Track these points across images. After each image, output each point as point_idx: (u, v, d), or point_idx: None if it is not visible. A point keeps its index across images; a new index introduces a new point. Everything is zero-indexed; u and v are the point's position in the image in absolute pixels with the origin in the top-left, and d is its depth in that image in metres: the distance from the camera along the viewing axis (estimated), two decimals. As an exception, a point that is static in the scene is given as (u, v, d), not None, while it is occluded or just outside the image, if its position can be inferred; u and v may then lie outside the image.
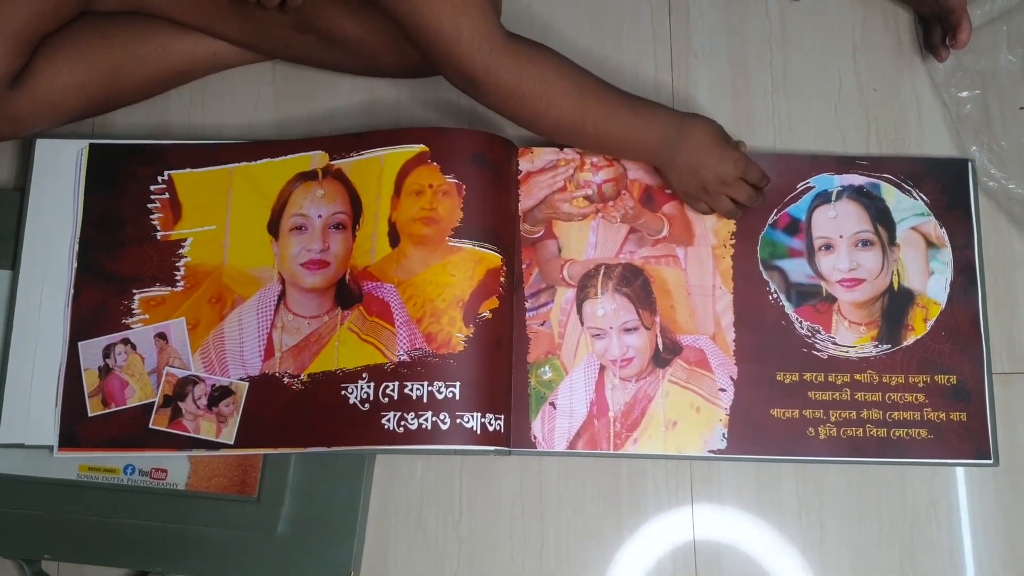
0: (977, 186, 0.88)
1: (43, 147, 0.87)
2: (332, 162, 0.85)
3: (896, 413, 0.83)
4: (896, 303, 0.85)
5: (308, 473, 0.80)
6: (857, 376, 0.83)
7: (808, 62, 0.93)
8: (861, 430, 0.82)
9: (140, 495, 0.80)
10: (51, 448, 0.81)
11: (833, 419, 0.83)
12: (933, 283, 0.85)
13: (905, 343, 0.84)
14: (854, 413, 0.83)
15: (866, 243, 0.86)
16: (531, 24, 0.94)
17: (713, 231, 0.86)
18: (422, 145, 0.83)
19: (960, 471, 0.84)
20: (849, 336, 0.84)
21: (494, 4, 0.75)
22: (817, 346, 0.84)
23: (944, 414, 0.83)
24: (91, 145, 0.87)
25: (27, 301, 0.84)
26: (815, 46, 0.94)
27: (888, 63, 0.93)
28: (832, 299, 0.85)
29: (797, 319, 0.85)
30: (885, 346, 0.84)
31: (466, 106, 0.90)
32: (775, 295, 0.85)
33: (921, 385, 0.83)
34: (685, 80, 0.93)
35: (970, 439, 0.82)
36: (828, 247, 0.86)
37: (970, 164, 0.88)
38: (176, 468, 0.81)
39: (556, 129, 0.79)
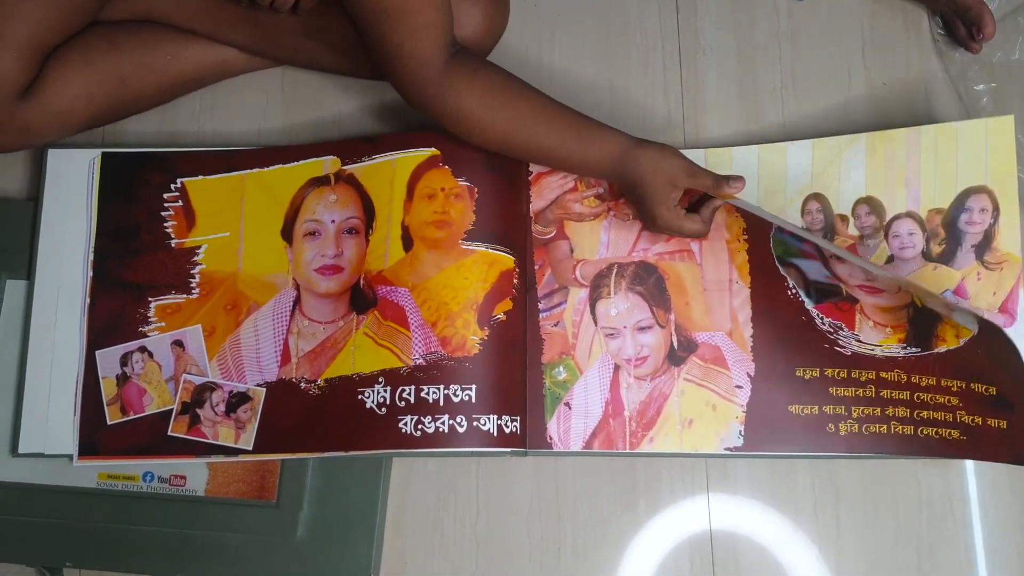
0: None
1: (55, 157, 0.87)
2: (344, 167, 0.85)
3: (925, 412, 0.78)
4: (923, 315, 0.81)
5: (326, 477, 0.80)
6: (883, 374, 0.80)
7: (817, 57, 0.93)
8: (885, 427, 0.79)
9: (159, 502, 0.81)
10: (71, 457, 0.81)
11: (855, 415, 0.80)
12: (958, 316, 0.79)
13: (937, 350, 0.79)
14: (878, 410, 0.80)
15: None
16: (538, 23, 0.94)
17: (725, 225, 0.85)
18: (433, 148, 0.84)
19: (976, 464, 0.84)
20: (874, 336, 0.81)
21: (446, 26, 0.75)
22: (840, 342, 0.81)
23: (981, 419, 0.77)
24: (104, 154, 0.87)
25: (43, 311, 0.84)
26: (824, 41, 0.94)
27: (897, 58, 0.93)
28: (854, 299, 0.83)
29: (818, 315, 0.82)
30: (914, 349, 0.79)
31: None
32: (794, 290, 0.82)
33: (955, 389, 0.78)
34: (693, 77, 0.93)
35: (1010, 445, 0.77)
36: (837, 258, 0.83)
37: (1013, 120, 0.83)
38: (195, 475, 0.82)
39: (504, 148, 0.79)
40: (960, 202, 0.84)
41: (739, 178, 0.76)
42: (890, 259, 0.85)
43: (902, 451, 0.80)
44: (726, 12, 0.94)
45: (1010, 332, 0.79)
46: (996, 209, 0.82)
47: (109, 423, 0.82)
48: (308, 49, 0.86)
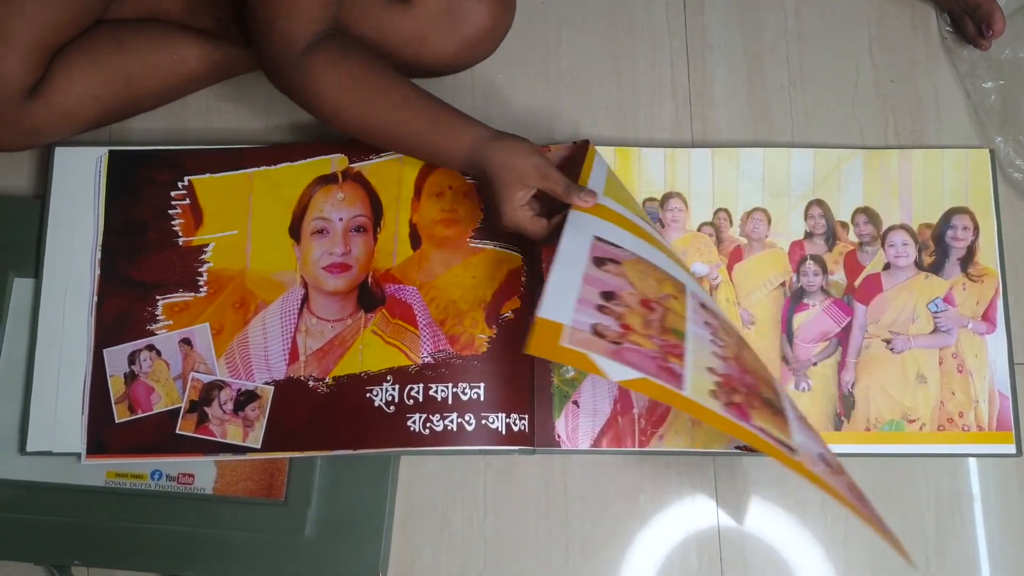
0: (997, 177, 0.88)
1: (62, 155, 0.87)
2: (352, 165, 0.85)
3: None
4: None
5: (334, 476, 0.81)
6: None
7: (824, 55, 0.93)
8: None
9: (168, 500, 0.81)
10: (79, 455, 0.81)
11: None
12: None
13: None
14: None
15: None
16: (544, 21, 0.94)
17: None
18: None
19: (984, 462, 0.84)
20: None
21: (324, 17, 0.74)
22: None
23: None
24: (110, 152, 0.87)
25: (51, 309, 0.84)
26: (831, 39, 0.93)
27: (905, 54, 0.93)
28: None
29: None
30: None
31: (480, 108, 0.90)
32: None
33: None
34: (701, 75, 0.93)
35: None
36: None
37: (991, 154, 0.89)
38: (203, 473, 0.82)
39: (360, 132, 0.78)
40: (946, 219, 0.88)
41: (592, 193, 0.74)
42: (887, 266, 0.87)
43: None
44: (733, 10, 0.94)
45: (991, 338, 0.85)
46: (976, 228, 0.88)
47: (117, 421, 0.82)
48: None
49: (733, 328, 0.76)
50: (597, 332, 0.63)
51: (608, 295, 0.67)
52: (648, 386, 0.61)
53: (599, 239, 0.72)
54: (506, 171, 0.75)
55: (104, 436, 0.81)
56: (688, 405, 0.61)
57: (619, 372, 0.61)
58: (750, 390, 0.67)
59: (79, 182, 0.86)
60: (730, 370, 0.67)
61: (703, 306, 0.73)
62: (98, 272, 0.84)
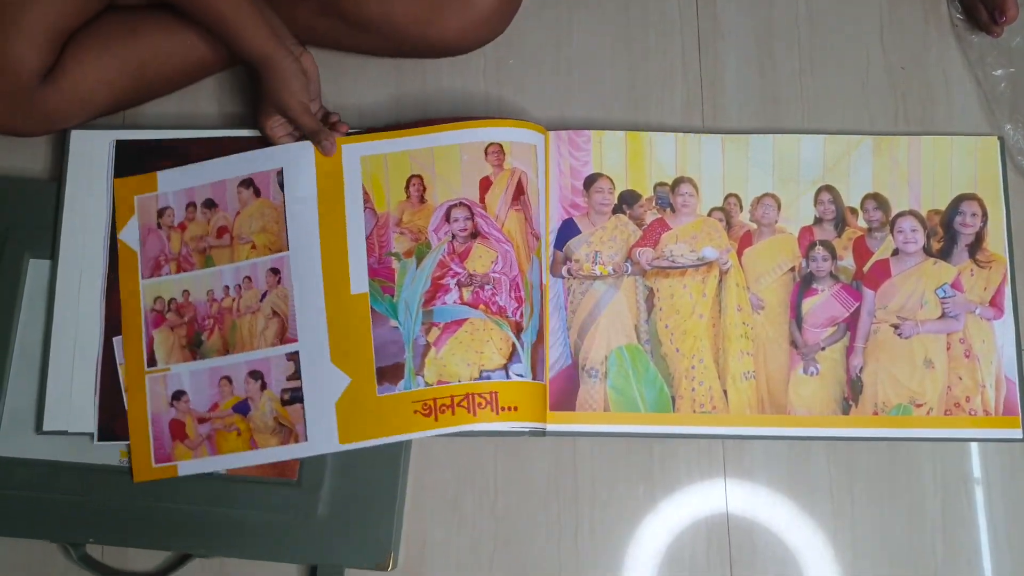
0: (1006, 164, 0.88)
1: (78, 138, 0.87)
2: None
3: None
4: None
5: (347, 456, 0.81)
6: None
7: (835, 41, 0.93)
8: None
9: (181, 479, 0.82)
10: (92, 435, 0.82)
11: None
12: None
13: None
14: None
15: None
16: (556, 5, 0.94)
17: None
18: None
19: (991, 447, 0.85)
20: None
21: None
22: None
23: None
24: (117, 141, 0.87)
25: (66, 291, 0.85)
26: (842, 25, 0.94)
27: (915, 41, 0.93)
28: None
29: None
30: None
31: (492, 92, 0.91)
32: None
33: None
34: (712, 61, 0.93)
35: None
36: None
37: (1000, 141, 0.89)
38: (216, 453, 0.83)
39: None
40: (955, 206, 0.89)
41: (333, 142, 0.83)
42: (895, 252, 0.87)
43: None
44: (744, -4, 0.95)
45: (998, 324, 0.86)
46: (984, 214, 0.88)
47: (127, 409, 0.83)
48: (324, 27, 0.86)
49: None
50: None
51: None
52: None
53: None
54: (277, 93, 0.81)
55: (115, 424, 0.82)
56: None
57: None
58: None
59: (94, 165, 0.87)
60: None
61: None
62: (109, 259, 0.85)
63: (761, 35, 0.94)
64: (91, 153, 0.87)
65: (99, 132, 0.87)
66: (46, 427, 0.82)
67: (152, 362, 0.83)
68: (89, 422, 0.82)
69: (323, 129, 0.83)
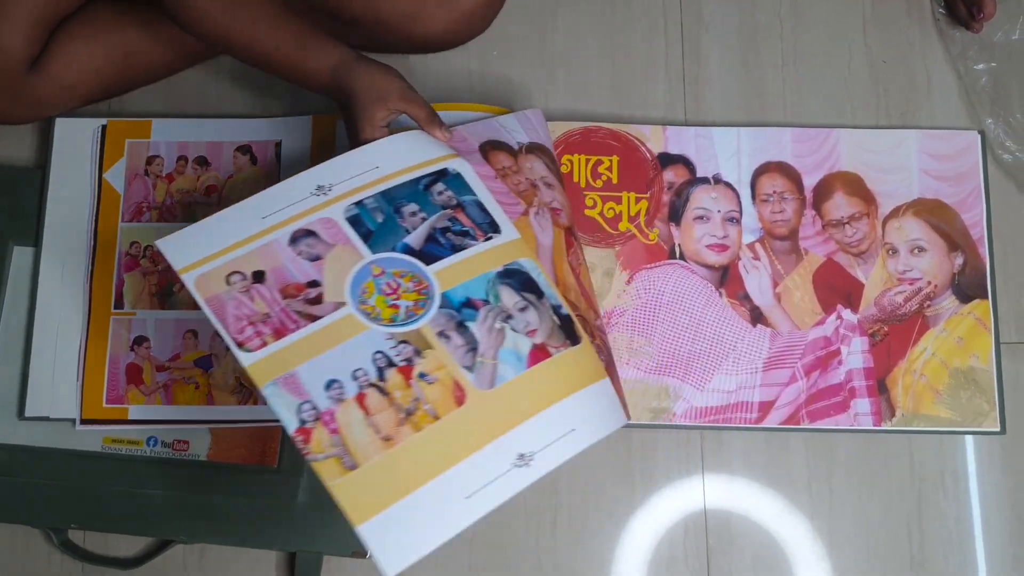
0: (987, 158, 0.88)
1: (63, 126, 0.88)
2: None
3: None
4: None
5: (326, 443, 0.82)
6: None
7: (818, 35, 0.94)
8: None
9: (163, 466, 0.82)
10: (74, 421, 0.83)
11: None
12: None
13: None
14: None
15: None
16: (541, -1, 0.94)
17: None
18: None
19: (968, 439, 0.85)
20: None
21: None
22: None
23: None
24: (104, 126, 0.88)
25: (49, 277, 0.85)
26: (825, 19, 0.94)
27: (898, 35, 0.93)
28: None
29: None
30: None
31: (476, 85, 0.91)
32: None
33: None
34: (695, 54, 0.93)
35: None
36: None
37: (981, 136, 0.89)
38: (197, 440, 0.83)
39: (225, 45, 0.76)
40: None
41: (451, 130, 0.77)
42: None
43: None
44: (728, -11, 0.95)
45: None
46: None
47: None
48: (319, 18, 0.87)
49: None
50: None
51: None
52: None
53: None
54: (370, 91, 0.74)
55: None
56: None
57: None
58: None
59: (78, 152, 0.88)
60: None
61: None
62: (93, 243, 0.86)
63: (744, 28, 0.94)
64: (76, 141, 0.88)
65: (84, 120, 0.88)
66: (28, 413, 0.83)
67: (119, 304, 0.84)
68: (71, 408, 0.83)
69: (433, 111, 0.77)
